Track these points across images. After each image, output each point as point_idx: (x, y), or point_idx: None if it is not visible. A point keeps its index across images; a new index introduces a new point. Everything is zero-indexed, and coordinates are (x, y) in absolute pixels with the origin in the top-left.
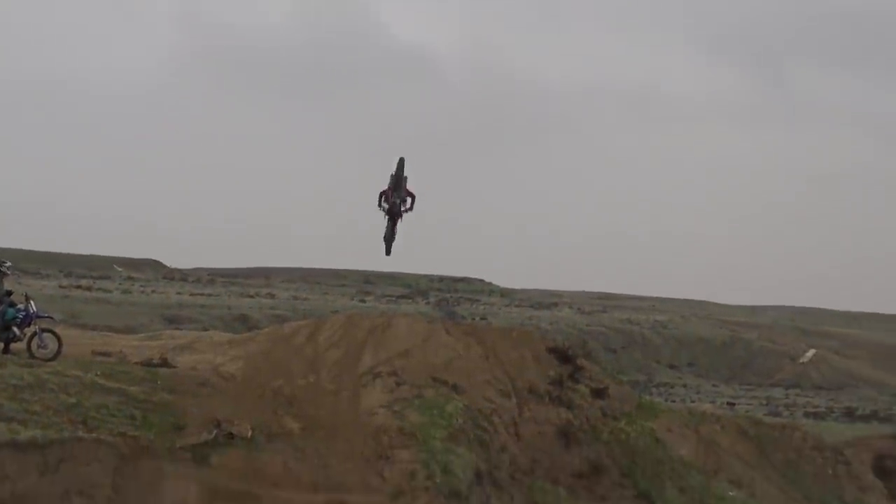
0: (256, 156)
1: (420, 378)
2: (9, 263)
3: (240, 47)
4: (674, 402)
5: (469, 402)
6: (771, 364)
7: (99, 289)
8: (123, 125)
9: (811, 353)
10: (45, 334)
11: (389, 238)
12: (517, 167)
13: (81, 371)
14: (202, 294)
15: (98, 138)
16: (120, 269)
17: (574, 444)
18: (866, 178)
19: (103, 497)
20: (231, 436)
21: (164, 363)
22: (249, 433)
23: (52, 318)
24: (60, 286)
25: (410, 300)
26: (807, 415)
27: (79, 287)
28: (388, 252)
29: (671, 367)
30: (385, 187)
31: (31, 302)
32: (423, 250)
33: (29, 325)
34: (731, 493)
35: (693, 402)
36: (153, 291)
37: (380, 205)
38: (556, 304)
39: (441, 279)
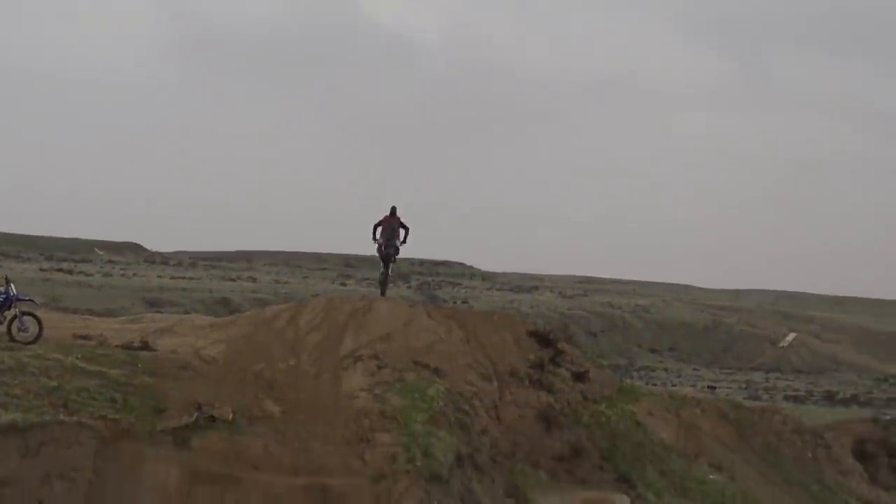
0: (239, 141)
1: (401, 361)
2: None
3: (225, 35)
4: (655, 385)
5: (450, 385)
6: (752, 348)
7: (80, 272)
8: (105, 110)
9: (791, 336)
10: (25, 317)
11: (384, 282)
12: (499, 153)
13: (62, 354)
14: (183, 277)
15: (80, 123)
16: (101, 253)
17: (555, 428)
18: (849, 163)
19: (84, 480)
20: (212, 419)
21: (145, 346)
22: (230, 416)
23: (33, 301)
24: (41, 269)
25: (391, 284)
26: (787, 398)
27: (60, 270)
28: (382, 293)
29: (652, 350)
30: (379, 219)
31: (12, 285)
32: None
33: (9, 308)
34: (711, 477)
35: (674, 385)
36: (134, 275)
37: (374, 238)
38: (537, 288)
39: (422, 263)
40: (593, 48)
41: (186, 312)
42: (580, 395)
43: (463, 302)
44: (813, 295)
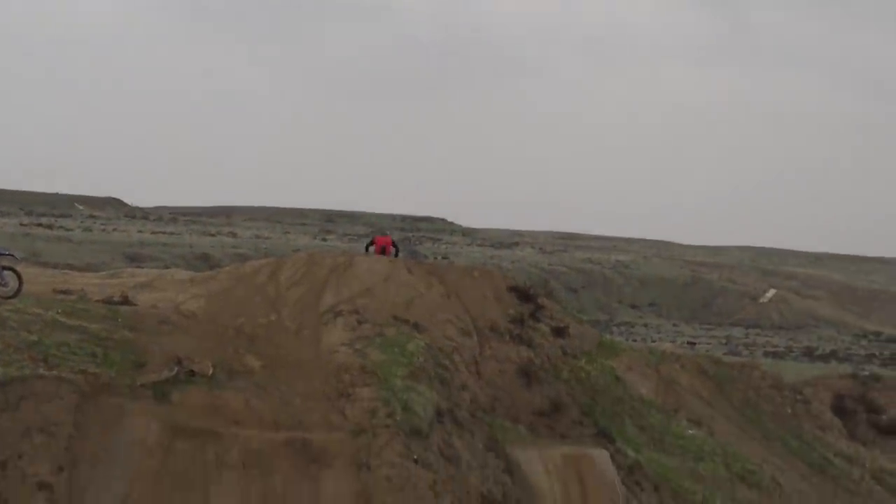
0: (219, 96)
1: (381, 317)
2: None
3: None
4: (634, 341)
5: (430, 340)
6: (732, 304)
7: (60, 227)
8: (84, 65)
9: (771, 293)
10: (5, 272)
11: None
12: (480, 108)
13: (42, 309)
14: (164, 232)
15: (59, 78)
16: (81, 208)
17: (534, 383)
18: (828, 119)
19: (64, 434)
20: (192, 373)
21: (125, 301)
22: (210, 371)
23: (13, 255)
24: (21, 224)
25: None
26: (766, 354)
27: (40, 225)
28: None
29: (632, 306)
30: (371, 239)
31: None
32: (386, 190)
33: None
34: (690, 432)
35: (654, 341)
36: (114, 230)
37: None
38: (517, 244)
39: (403, 218)
40: (573, 2)
41: (167, 267)
42: (560, 351)
43: (443, 258)
44: (793, 251)
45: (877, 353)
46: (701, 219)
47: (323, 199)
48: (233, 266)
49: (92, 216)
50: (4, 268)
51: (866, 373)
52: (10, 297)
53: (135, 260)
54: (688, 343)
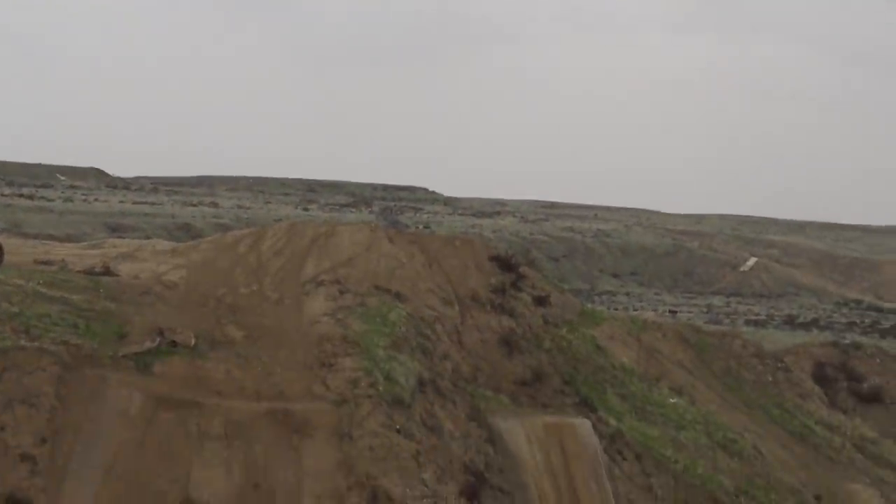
0: (199, 64)
1: (363, 286)
2: None
3: None
4: (616, 310)
5: (412, 310)
6: (713, 272)
7: (41, 197)
8: (63, 34)
9: (752, 261)
10: None
11: None
12: (461, 77)
13: (23, 280)
14: (145, 203)
15: (37, 48)
16: (62, 178)
17: (516, 352)
18: (808, 90)
19: (46, 405)
20: (174, 344)
21: (107, 272)
22: (192, 341)
23: None
24: (2, 195)
25: (354, 209)
26: (747, 322)
27: (20, 196)
28: None
29: (614, 275)
30: None
31: None
32: (367, 159)
33: None
34: (671, 400)
35: (635, 310)
36: (96, 200)
37: None
38: (499, 213)
39: (385, 188)
40: None
41: (148, 238)
42: (542, 320)
43: (425, 227)
44: (773, 220)
45: (858, 322)
46: (682, 187)
47: (305, 168)
48: (214, 236)
49: (73, 186)
50: None
51: (847, 341)
52: None
53: (116, 230)
54: (669, 312)
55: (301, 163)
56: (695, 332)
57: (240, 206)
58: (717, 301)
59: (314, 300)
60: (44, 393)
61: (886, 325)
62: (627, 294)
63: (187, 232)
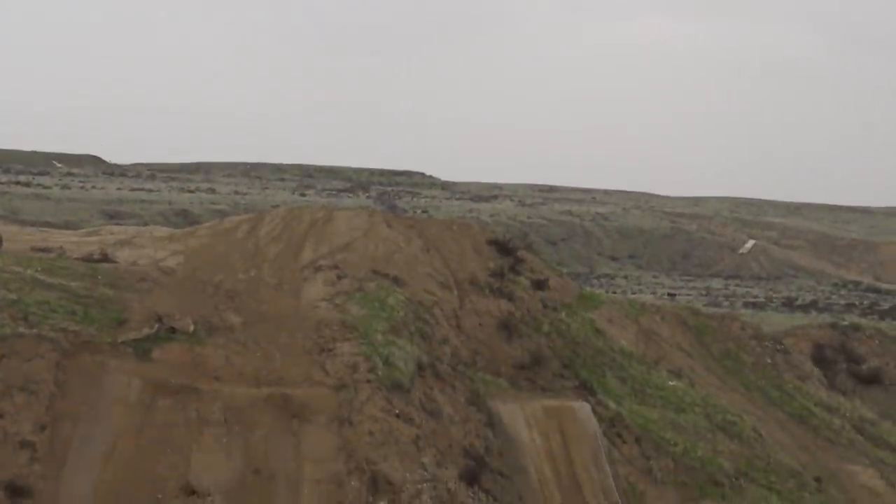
0: (196, 50)
1: (361, 271)
2: None
3: None
4: (615, 293)
5: (410, 294)
6: (711, 255)
7: (38, 185)
8: (59, 22)
9: (751, 243)
10: None
11: None
12: (457, 61)
13: (21, 267)
14: (142, 189)
15: (33, 35)
16: (59, 165)
17: (515, 336)
18: (809, 70)
19: (45, 392)
20: (173, 330)
21: (105, 258)
22: (191, 327)
23: None
24: None
25: (351, 194)
26: (746, 305)
27: (17, 183)
28: None
29: (612, 258)
30: None
31: None
32: (365, 144)
33: None
34: (671, 383)
35: (634, 293)
36: (93, 187)
37: None
38: (496, 197)
39: (382, 173)
40: None
41: (145, 224)
42: (540, 304)
43: (423, 211)
44: (771, 202)
45: (856, 303)
46: (680, 169)
47: (302, 154)
48: (212, 222)
49: (70, 174)
50: None
51: (846, 322)
52: None
53: (113, 217)
54: (668, 294)
55: (298, 148)
56: (693, 314)
57: (237, 192)
58: (716, 283)
59: (312, 285)
60: (43, 380)
61: (885, 306)
62: (626, 277)
63: (185, 218)
